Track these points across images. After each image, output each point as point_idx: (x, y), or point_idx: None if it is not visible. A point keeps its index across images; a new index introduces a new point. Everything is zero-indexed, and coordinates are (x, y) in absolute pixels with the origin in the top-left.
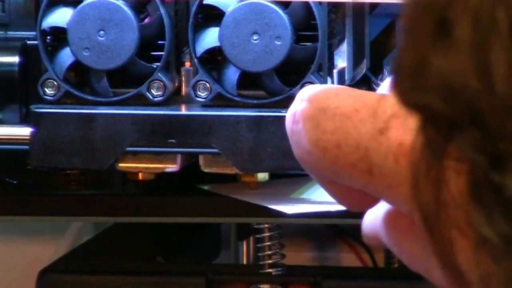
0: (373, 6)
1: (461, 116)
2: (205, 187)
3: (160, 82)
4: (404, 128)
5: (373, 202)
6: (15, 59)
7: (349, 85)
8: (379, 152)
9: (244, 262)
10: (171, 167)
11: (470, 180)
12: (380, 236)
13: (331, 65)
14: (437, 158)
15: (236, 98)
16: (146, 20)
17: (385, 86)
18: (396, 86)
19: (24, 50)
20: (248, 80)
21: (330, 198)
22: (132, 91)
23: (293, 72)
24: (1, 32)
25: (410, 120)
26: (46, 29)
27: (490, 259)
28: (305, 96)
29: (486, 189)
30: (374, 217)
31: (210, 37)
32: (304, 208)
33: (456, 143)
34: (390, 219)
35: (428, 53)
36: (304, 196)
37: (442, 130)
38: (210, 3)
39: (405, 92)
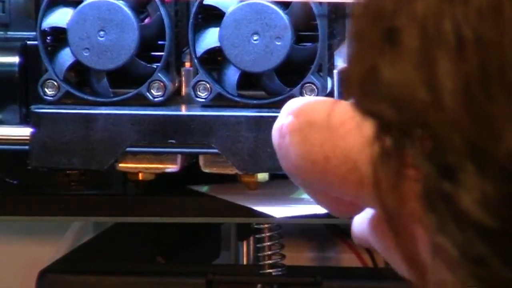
0: None
1: (412, 125)
2: (204, 189)
3: (160, 83)
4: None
5: (361, 209)
6: (15, 59)
7: None
8: (369, 163)
9: (244, 262)
10: (171, 167)
11: (423, 187)
12: (367, 238)
13: (331, 65)
14: (392, 165)
15: (236, 99)
16: (146, 21)
17: None
18: (348, 93)
19: (24, 50)
20: (248, 80)
21: None
22: (132, 91)
23: (293, 72)
24: (1, 32)
25: None
26: (46, 29)
27: (445, 266)
28: (290, 110)
29: (438, 198)
30: (361, 221)
31: (210, 38)
32: (294, 211)
33: (408, 151)
34: (374, 223)
35: (376, 62)
36: (304, 196)
37: (395, 138)
38: (210, 4)
39: (356, 100)
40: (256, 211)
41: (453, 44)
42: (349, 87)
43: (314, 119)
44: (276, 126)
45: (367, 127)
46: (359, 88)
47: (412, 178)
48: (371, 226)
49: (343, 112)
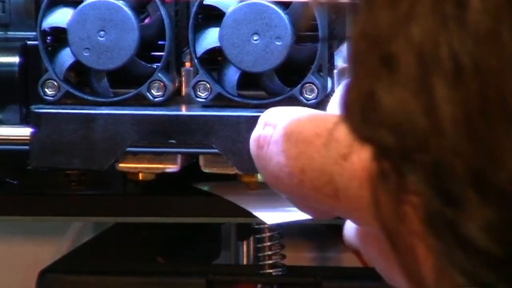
0: None
1: (412, 152)
2: (205, 188)
3: (160, 83)
4: (366, 152)
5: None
6: (15, 59)
7: None
8: (344, 177)
9: (244, 262)
10: (171, 167)
11: (425, 213)
12: (357, 247)
13: (332, 66)
14: (392, 188)
15: (236, 99)
16: (147, 21)
17: (334, 100)
18: (346, 119)
19: (24, 51)
20: (248, 80)
21: None
22: (132, 92)
23: (293, 72)
24: (1, 33)
25: None
26: (46, 29)
27: None
28: (268, 121)
29: (442, 224)
30: (351, 228)
31: (210, 38)
32: (286, 217)
33: (409, 178)
34: (362, 234)
35: (374, 88)
36: None
37: (394, 164)
38: (211, 4)
39: (355, 126)
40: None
41: (451, 70)
42: (346, 113)
43: (290, 131)
44: (253, 136)
45: (343, 141)
46: (357, 115)
47: (413, 203)
48: (360, 237)
49: (319, 124)
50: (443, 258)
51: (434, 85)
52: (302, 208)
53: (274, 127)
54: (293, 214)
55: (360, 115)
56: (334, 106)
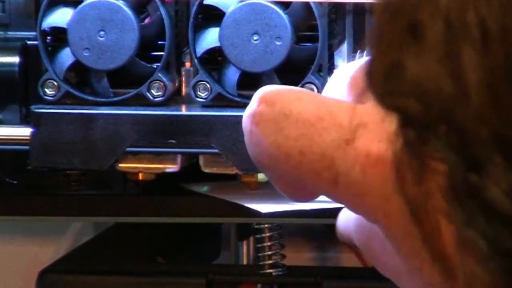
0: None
1: (437, 119)
2: (204, 189)
3: (160, 82)
4: (371, 138)
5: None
6: (15, 59)
7: None
8: (346, 162)
9: (244, 262)
10: (171, 167)
11: (448, 180)
12: (352, 238)
13: (331, 66)
14: (416, 158)
15: (236, 99)
16: (146, 21)
17: (332, 84)
18: (371, 89)
19: (24, 50)
20: (248, 80)
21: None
22: (132, 91)
23: (294, 72)
24: (1, 32)
25: (376, 129)
26: (46, 29)
27: (474, 259)
28: (265, 98)
29: (465, 191)
30: (347, 219)
31: (210, 38)
32: (280, 208)
33: (433, 145)
34: (360, 225)
35: (400, 57)
36: None
37: (419, 132)
38: (211, 4)
39: (379, 95)
40: (255, 210)
41: (478, 36)
42: (371, 83)
43: (289, 111)
44: (247, 112)
45: (347, 125)
46: (382, 84)
47: (436, 171)
48: (357, 229)
49: (321, 107)
50: (465, 226)
51: (461, 52)
52: (282, 188)
53: (271, 105)
54: (288, 206)
55: (385, 84)
56: (330, 90)
